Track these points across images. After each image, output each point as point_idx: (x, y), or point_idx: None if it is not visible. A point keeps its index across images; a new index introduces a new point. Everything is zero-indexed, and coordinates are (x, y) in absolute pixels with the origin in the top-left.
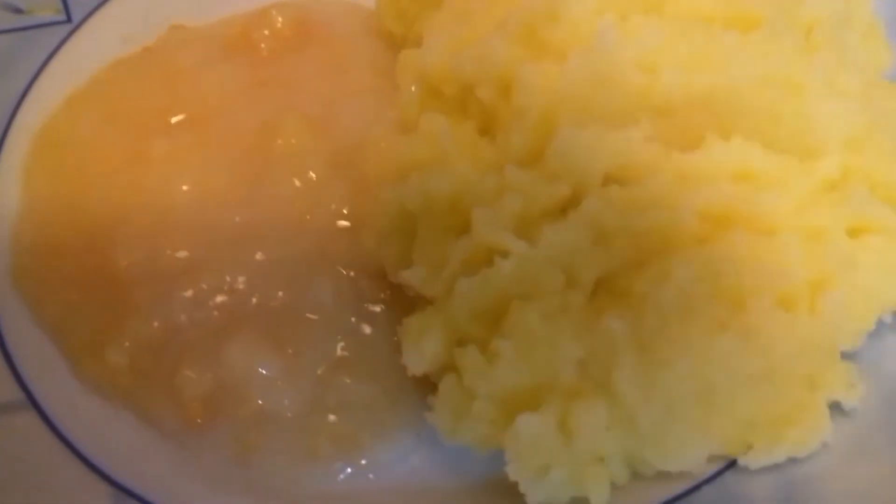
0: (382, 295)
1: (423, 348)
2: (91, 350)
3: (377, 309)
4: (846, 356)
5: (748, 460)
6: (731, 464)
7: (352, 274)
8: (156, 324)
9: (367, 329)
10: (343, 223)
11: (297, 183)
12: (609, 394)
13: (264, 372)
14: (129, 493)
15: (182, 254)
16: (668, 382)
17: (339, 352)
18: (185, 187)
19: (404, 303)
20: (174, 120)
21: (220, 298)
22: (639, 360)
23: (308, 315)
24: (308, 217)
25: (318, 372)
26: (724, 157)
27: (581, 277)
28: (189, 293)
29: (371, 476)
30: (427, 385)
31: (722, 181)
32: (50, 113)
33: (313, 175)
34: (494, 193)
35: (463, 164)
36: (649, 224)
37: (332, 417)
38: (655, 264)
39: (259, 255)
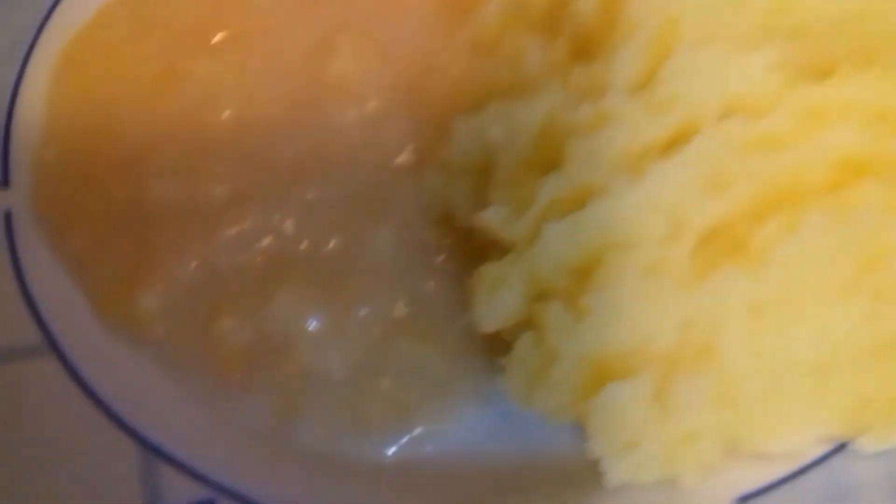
0: (448, 242)
1: (498, 302)
2: (119, 292)
3: (440, 259)
4: None
5: (863, 443)
6: (840, 447)
7: (414, 219)
8: (193, 265)
9: (429, 282)
10: (405, 159)
11: (354, 113)
12: (713, 362)
13: (312, 327)
14: (158, 452)
15: (222, 188)
16: (780, 350)
17: (396, 308)
18: (226, 113)
19: (472, 253)
20: (216, 38)
21: (265, 241)
22: (750, 325)
23: (363, 264)
24: (366, 152)
25: (372, 329)
26: (859, 92)
27: (688, 226)
28: (230, 233)
29: (428, 448)
30: (496, 346)
31: (856, 120)
32: (79, 27)
33: (373, 104)
34: (591, 125)
35: (554, 91)
36: (771, 167)
37: (385, 381)
38: (776, 215)
39: (310, 195)
